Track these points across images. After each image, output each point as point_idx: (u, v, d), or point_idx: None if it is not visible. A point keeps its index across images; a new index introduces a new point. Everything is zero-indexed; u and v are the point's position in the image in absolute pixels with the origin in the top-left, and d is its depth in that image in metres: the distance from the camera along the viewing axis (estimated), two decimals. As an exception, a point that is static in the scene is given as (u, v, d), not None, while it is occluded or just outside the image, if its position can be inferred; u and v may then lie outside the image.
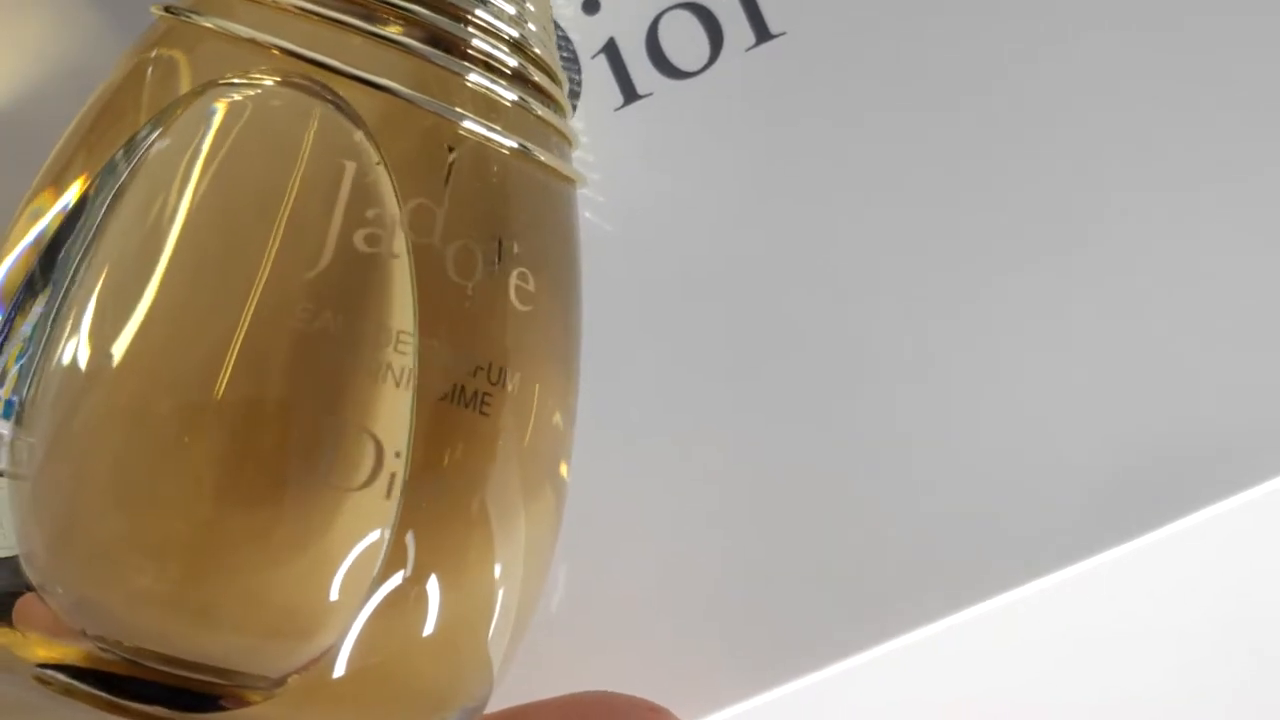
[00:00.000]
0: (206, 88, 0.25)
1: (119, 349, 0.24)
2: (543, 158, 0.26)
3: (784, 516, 0.34)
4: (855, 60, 0.34)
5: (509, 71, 0.26)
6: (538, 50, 0.27)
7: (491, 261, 0.25)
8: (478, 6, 0.26)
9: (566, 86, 0.28)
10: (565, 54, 0.34)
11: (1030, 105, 0.34)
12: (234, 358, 0.24)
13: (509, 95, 0.26)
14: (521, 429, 0.26)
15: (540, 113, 0.27)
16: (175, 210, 0.24)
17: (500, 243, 0.25)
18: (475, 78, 0.26)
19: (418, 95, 0.25)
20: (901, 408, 0.34)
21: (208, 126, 0.24)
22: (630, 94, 0.34)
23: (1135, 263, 0.34)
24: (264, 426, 0.23)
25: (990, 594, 0.34)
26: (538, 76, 0.27)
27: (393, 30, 0.25)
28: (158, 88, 0.25)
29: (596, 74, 0.34)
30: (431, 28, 0.26)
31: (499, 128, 0.26)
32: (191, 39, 0.25)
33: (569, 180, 0.28)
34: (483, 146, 0.25)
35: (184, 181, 0.24)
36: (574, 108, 0.34)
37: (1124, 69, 0.34)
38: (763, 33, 0.34)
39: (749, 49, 0.34)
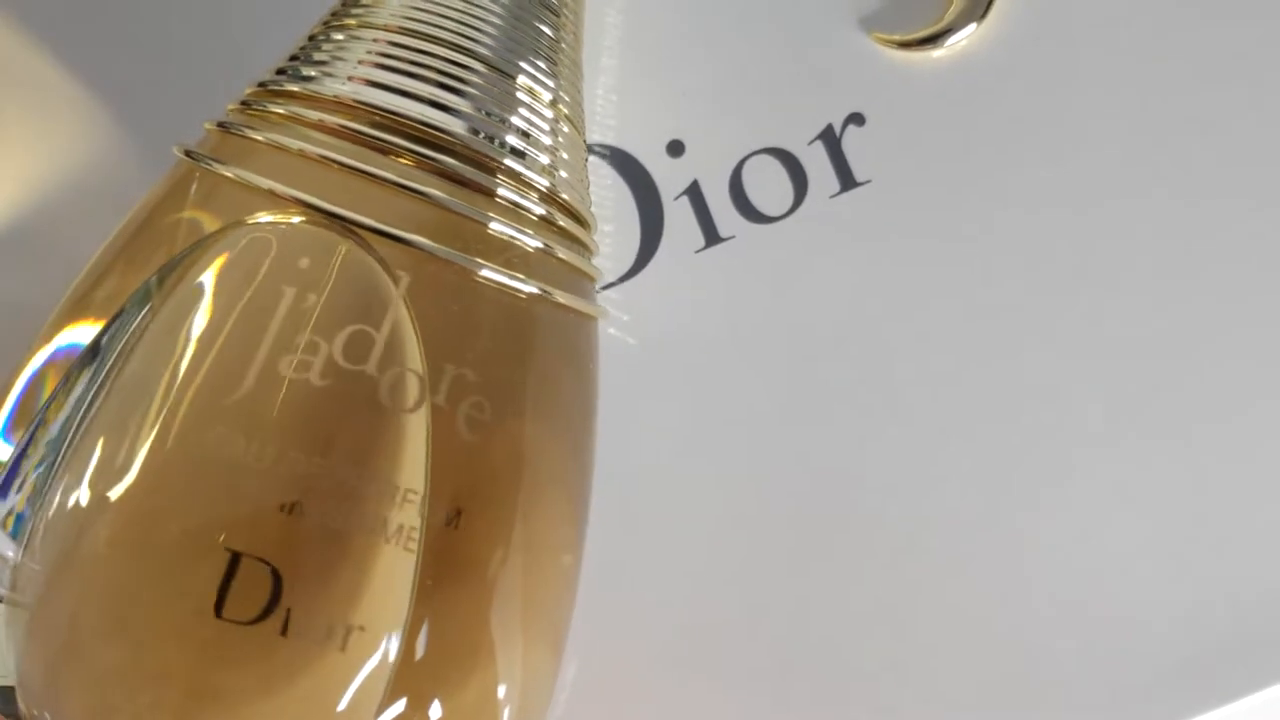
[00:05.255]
0: (231, 227, 0.25)
1: (124, 480, 0.24)
2: (562, 299, 0.26)
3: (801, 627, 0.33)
4: (940, 208, 0.34)
5: (535, 218, 0.27)
6: (566, 196, 0.27)
7: (484, 405, 0.25)
8: (509, 157, 0.26)
9: (596, 227, 0.28)
10: (649, 192, 0.34)
11: (1117, 264, 0.33)
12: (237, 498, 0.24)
13: (532, 242, 0.26)
14: (519, 562, 0.26)
15: (563, 256, 0.27)
16: (188, 349, 0.25)
17: (503, 383, 0.25)
18: (498, 226, 0.26)
19: (432, 245, 0.25)
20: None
21: (227, 270, 0.25)
22: (712, 236, 0.34)
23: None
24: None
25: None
26: (564, 221, 0.27)
27: (424, 177, 0.26)
28: (189, 221, 0.26)
29: (679, 215, 0.34)
30: (460, 175, 0.26)
31: (519, 274, 0.26)
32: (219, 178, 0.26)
33: (589, 316, 0.28)
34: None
35: (198, 321, 0.25)
36: (656, 245, 0.34)
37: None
38: (848, 180, 0.34)
39: (833, 196, 0.34)
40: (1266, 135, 0.33)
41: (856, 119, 0.34)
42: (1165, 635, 0.32)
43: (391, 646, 0.24)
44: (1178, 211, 0.33)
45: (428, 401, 0.24)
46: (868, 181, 0.34)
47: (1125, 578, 0.32)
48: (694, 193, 0.34)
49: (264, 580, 0.24)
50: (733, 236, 0.34)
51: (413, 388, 0.25)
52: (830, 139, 0.34)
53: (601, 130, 0.34)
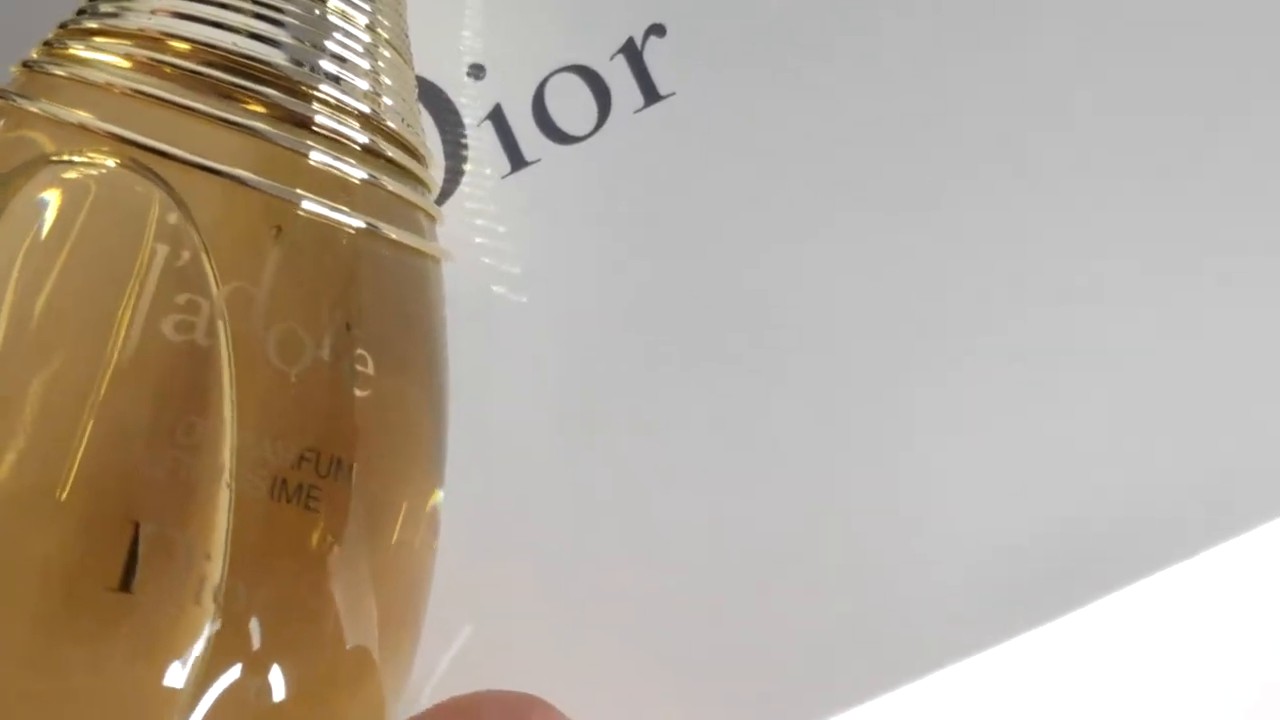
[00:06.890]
0: (38, 165, 0.24)
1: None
2: (394, 235, 0.25)
3: (698, 587, 0.33)
4: (744, 119, 0.33)
5: (359, 148, 0.25)
6: (392, 124, 0.26)
7: (320, 346, 0.24)
8: (324, 83, 0.25)
9: (433, 161, 0.28)
10: (451, 119, 0.33)
11: (937, 176, 0.33)
12: (54, 454, 0.23)
13: (357, 173, 0.25)
14: (366, 516, 0.25)
15: (392, 188, 0.26)
16: (5, 295, 0.23)
17: (333, 326, 0.24)
18: (319, 156, 0.25)
19: (251, 176, 0.24)
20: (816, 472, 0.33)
21: (34, 208, 0.24)
22: (518, 161, 0.33)
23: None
24: (61, 528, 0.22)
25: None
26: (392, 152, 0.26)
27: (238, 108, 0.24)
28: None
29: (483, 141, 0.33)
30: (276, 105, 0.25)
31: (345, 207, 0.25)
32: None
33: (429, 256, 0.27)
34: (317, 226, 0.24)
35: (6, 268, 0.23)
36: (460, 173, 0.33)
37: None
38: (651, 94, 0.33)
39: (637, 111, 0.33)
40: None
41: (657, 30, 0.33)
42: (997, 557, 0.33)
43: (246, 605, 0.23)
44: (984, 119, 0.33)
45: (228, 347, 0.23)
46: (672, 94, 0.33)
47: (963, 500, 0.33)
48: (497, 117, 0.33)
49: (110, 539, 0.23)
50: (539, 160, 0.33)
51: (223, 329, 0.23)
52: (632, 52, 0.33)
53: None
